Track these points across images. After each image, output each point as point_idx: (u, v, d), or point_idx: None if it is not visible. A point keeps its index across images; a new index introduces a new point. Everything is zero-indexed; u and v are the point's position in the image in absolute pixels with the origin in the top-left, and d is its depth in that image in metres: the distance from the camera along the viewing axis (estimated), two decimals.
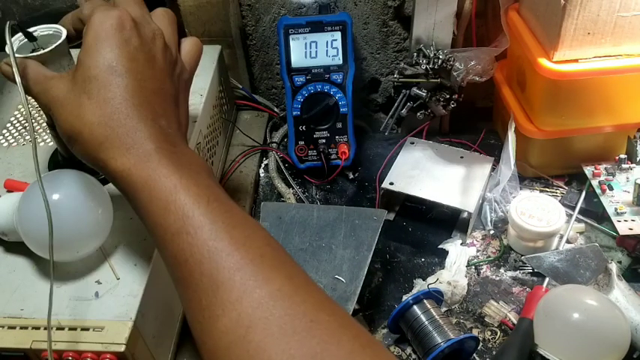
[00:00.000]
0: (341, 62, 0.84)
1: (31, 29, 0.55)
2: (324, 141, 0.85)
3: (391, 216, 0.80)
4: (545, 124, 0.76)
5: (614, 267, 0.66)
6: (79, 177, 0.60)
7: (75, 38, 0.55)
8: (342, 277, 0.66)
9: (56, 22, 0.56)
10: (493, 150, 0.87)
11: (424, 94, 0.83)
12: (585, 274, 0.68)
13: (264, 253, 0.43)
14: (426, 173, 0.79)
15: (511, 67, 0.83)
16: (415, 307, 0.64)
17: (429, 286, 0.67)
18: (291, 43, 0.84)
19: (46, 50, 0.53)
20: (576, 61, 0.69)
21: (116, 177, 0.47)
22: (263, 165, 0.90)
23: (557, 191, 0.81)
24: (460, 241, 0.76)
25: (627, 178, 0.76)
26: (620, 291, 0.64)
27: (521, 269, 0.73)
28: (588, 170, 0.77)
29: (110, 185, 0.67)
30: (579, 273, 0.68)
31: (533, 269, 0.72)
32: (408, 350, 0.66)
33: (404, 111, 0.85)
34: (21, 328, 0.54)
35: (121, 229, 0.63)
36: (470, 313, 0.69)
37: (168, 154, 0.46)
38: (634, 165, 0.76)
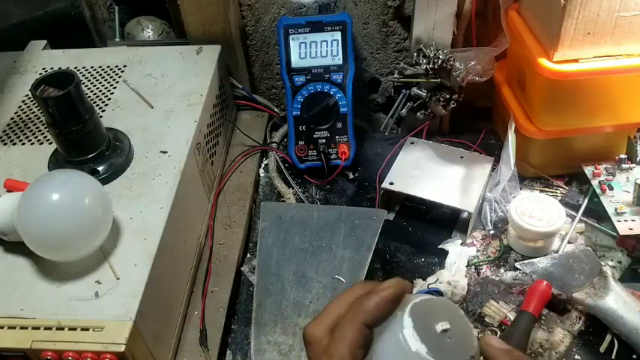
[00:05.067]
0: (341, 62, 0.84)
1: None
2: (324, 141, 0.85)
3: (391, 216, 0.80)
4: (545, 124, 0.76)
5: (609, 270, 0.66)
6: (79, 177, 0.60)
7: None
8: (342, 277, 0.66)
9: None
10: (493, 150, 0.87)
11: (424, 94, 0.83)
12: (580, 277, 0.68)
13: None
14: (426, 173, 0.79)
15: (511, 67, 0.83)
16: None
17: (429, 286, 0.67)
18: (291, 43, 0.84)
19: None
20: (576, 61, 0.69)
21: None
22: (263, 165, 0.90)
23: (558, 191, 0.81)
24: (460, 241, 0.76)
25: (627, 178, 0.76)
26: (616, 294, 0.64)
27: (521, 269, 0.73)
28: (588, 170, 0.77)
29: (110, 185, 0.68)
30: (574, 277, 0.68)
31: None
32: None
33: (404, 111, 0.85)
34: (21, 328, 0.54)
35: (121, 229, 0.63)
36: (470, 313, 0.69)
37: None
38: (634, 165, 0.76)
